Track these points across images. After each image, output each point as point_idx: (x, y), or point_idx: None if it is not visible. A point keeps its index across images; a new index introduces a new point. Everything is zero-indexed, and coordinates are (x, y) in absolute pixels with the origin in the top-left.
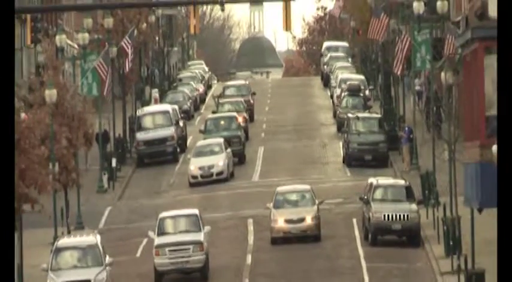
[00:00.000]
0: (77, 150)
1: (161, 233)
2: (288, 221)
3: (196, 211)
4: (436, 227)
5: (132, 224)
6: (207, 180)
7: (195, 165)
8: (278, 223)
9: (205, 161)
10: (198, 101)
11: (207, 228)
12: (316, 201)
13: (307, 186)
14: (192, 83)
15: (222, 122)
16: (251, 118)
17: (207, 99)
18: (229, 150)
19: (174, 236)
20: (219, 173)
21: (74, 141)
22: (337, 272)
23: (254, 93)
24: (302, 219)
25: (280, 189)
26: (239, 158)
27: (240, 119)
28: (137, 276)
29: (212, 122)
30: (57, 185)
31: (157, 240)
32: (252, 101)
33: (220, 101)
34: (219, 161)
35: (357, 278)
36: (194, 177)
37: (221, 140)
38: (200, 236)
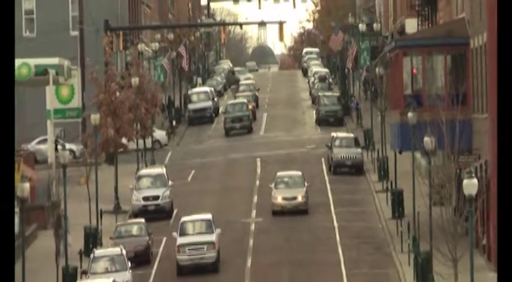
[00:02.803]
0: (152, 115)
1: (182, 234)
2: (284, 199)
3: (209, 216)
4: (373, 162)
5: (185, 161)
6: None
7: None
8: (277, 200)
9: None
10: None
11: (218, 230)
12: (306, 184)
13: (299, 173)
14: (223, 74)
15: (237, 106)
16: (257, 105)
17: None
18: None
19: (192, 237)
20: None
21: (150, 110)
22: (311, 191)
23: (258, 89)
24: (295, 198)
25: (279, 174)
26: (248, 130)
27: (250, 106)
28: (188, 194)
29: (231, 106)
30: (138, 137)
31: (179, 240)
32: (257, 94)
33: (237, 94)
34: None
35: (324, 194)
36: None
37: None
38: (213, 237)
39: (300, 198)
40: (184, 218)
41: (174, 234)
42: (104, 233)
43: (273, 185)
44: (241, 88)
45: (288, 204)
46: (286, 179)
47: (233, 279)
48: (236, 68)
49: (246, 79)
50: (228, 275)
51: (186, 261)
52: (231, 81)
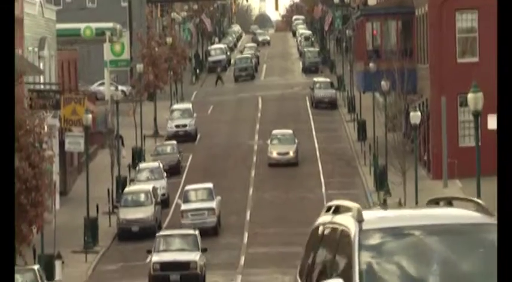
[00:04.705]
0: (182, 65)
1: (186, 201)
2: (278, 154)
3: (210, 185)
4: (343, 100)
5: (206, 98)
6: None
7: None
8: (273, 154)
9: None
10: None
11: (218, 198)
12: (296, 141)
13: (291, 131)
14: (234, 35)
15: (243, 60)
16: (258, 61)
17: (238, 45)
18: None
19: (194, 203)
20: None
21: (180, 61)
22: (298, 120)
23: (259, 50)
24: (287, 153)
25: (274, 131)
26: (251, 77)
27: (253, 61)
28: (208, 123)
29: (238, 59)
30: (172, 80)
31: (183, 207)
32: (258, 55)
33: (243, 52)
34: None
35: (308, 122)
36: None
37: None
38: (213, 204)
39: (291, 154)
40: (187, 187)
41: (179, 201)
42: (146, 152)
43: (269, 141)
44: (245, 50)
45: (281, 158)
46: (279, 136)
47: (241, 187)
48: (258, 31)
49: (263, 39)
50: (236, 183)
51: (189, 225)
52: (254, 40)
